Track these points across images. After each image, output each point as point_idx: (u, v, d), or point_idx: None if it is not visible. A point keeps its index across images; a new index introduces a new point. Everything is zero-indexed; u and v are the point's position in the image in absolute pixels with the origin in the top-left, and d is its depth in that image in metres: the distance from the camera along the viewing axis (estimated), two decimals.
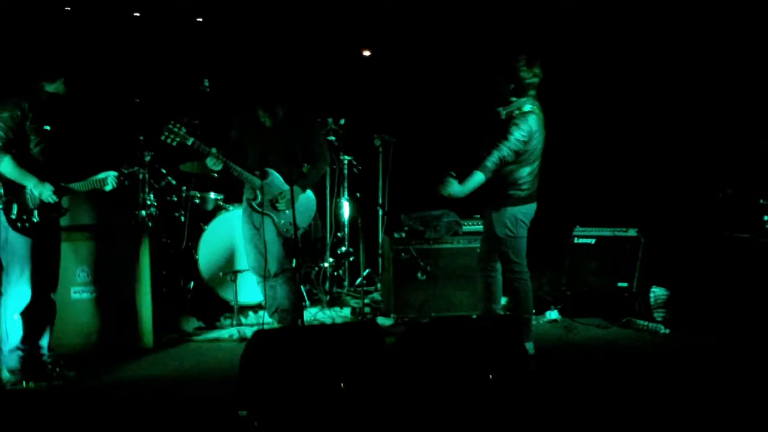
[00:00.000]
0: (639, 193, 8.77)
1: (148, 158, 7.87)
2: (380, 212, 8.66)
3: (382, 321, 7.69)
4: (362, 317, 7.92)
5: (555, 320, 7.68)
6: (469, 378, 5.06)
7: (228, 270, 7.74)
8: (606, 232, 7.95)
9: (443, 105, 9.31)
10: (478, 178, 6.15)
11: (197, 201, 8.25)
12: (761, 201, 7.28)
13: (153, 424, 5.37)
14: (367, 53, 9.68)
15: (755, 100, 8.36)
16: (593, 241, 7.94)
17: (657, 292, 7.56)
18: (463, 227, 7.99)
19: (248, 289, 7.85)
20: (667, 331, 7.26)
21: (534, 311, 6.91)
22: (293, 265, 7.08)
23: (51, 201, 5.92)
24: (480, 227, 7.76)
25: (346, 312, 8.12)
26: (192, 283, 8.01)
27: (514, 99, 6.25)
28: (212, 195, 8.30)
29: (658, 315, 7.46)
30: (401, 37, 9.51)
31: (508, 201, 6.30)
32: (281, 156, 6.88)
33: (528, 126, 6.12)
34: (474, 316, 7.08)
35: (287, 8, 9.24)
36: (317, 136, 7.30)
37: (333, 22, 9.38)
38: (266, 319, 7.38)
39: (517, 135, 6.10)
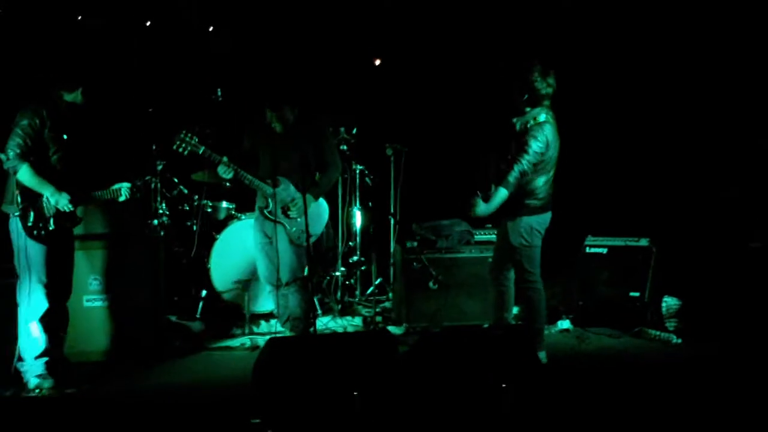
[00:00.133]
0: (651, 203, 8.74)
1: (160, 167, 7.92)
2: (392, 221, 8.66)
3: (394, 330, 7.67)
4: (374, 326, 7.92)
5: (567, 330, 7.66)
6: (481, 387, 5.05)
7: (240, 279, 7.75)
8: (618, 241, 7.93)
9: (454, 114, 9.33)
10: (502, 194, 6.16)
11: (209, 210, 8.28)
12: None
13: (165, 431, 5.38)
14: (378, 62, 9.71)
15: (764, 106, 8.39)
16: (605, 250, 7.93)
17: (669, 302, 7.53)
18: (475, 236, 7.98)
19: (260, 298, 7.88)
20: (679, 340, 7.23)
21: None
22: (305, 273, 7.09)
23: (67, 210, 5.96)
24: (492, 236, 7.78)
25: (358, 321, 8.12)
26: (204, 292, 8.02)
27: (528, 109, 6.25)
28: (224, 204, 8.32)
29: (670, 325, 7.44)
30: (412, 46, 9.54)
31: (523, 210, 6.29)
32: (293, 164, 6.90)
33: (544, 136, 6.13)
34: (485, 326, 7.07)
35: (299, 19, 9.28)
36: (329, 143, 7.32)
37: (344, 31, 9.41)
38: (278, 328, 7.38)
39: (535, 147, 6.10)
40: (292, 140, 6.94)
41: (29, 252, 5.87)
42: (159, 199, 7.94)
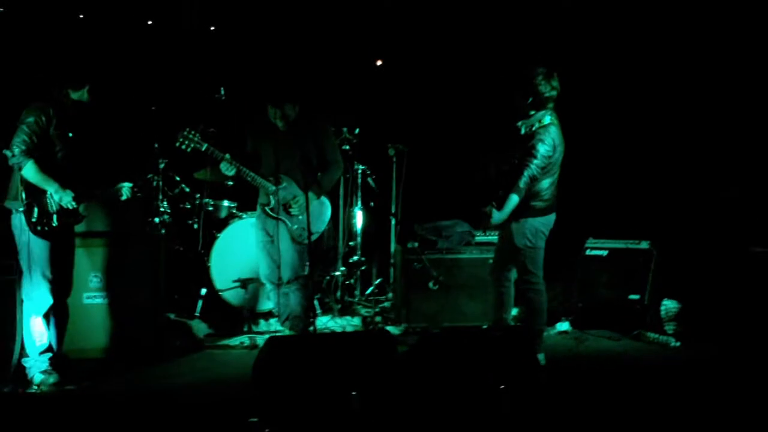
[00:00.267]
0: (652, 206, 8.75)
1: (162, 165, 7.93)
2: (393, 221, 8.67)
3: (393, 330, 7.68)
4: (373, 326, 7.92)
5: (566, 332, 7.67)
6: (480, 388, 5.06)
7: (240, 278, 7.76)
8: (618, 244, 7.94)
9: (456, 114, 9.32)
10: (513, 200, 6.17)
11: (210, 209, 8.29)
12: None
13: (162, 430, 5.39)
14: (379, 63, 9.72)
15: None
16: (605, 253, 7.93)
17: (668, 305, 7.53)
18: (476, 237, 7.99)
19: (259, 297, 7.89)
20: (678, 344, 7.23)
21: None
22: (306, 272, 7.10)
23: (71, 207, 5.97)
24: (492, 238, 7.78)
25: (357, 321, 8.13)
26: (204, 290, 8.02)
27: (533, 112, 6.25)
28: (225, 203, 8.33)
29: (669, 328, 7.44)
30: (415, 46, 9.54)
31: (529, 212, 6.29)
32: (295, 162, 6.92)
33: (551, 139, 6.14)
34: (484, 327, 7.08)
35: (302, 19, 9.29)
36: (330, 141, 7.34)
37: (347, 32, 9.42)
38: (277, 327, 7.39)
39: (543, 151, 6.11)
40: (294, 138, 6.96)
41: (33, 247, 5.89)
42: (161, 197, 7.96)
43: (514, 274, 6.57)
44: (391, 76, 9.70)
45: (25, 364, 6.06)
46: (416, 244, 7.82)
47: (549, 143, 6.13)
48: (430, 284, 7.64)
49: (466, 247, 7.89)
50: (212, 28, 9.46)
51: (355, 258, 8.75)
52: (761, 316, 7.09)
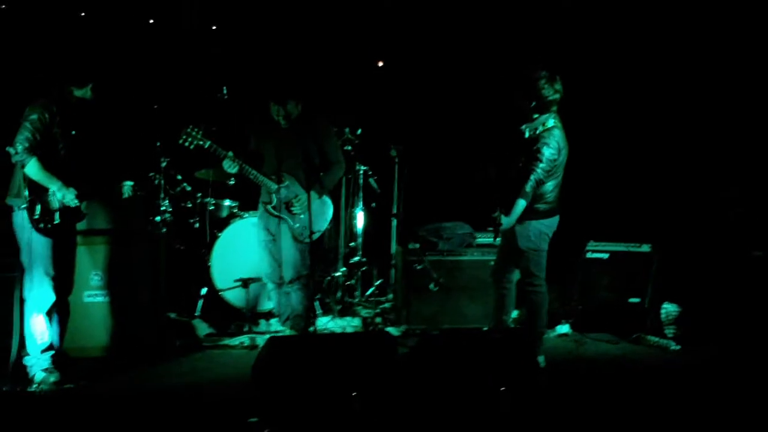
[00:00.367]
0: (653, 210, 8.74)
1: (164, 164, 7.94)
2: (394, 222, 8.67)
3: (393, 331, 7.68)
4: (373, 327, 7.93)
5: (565, 334, 7.67)
6: (480, 390, 5.07)
7: (241, 277, 7.76)
8: (619, 247, 7.93)
9: (459, 116, 9.33)
10: (521, 205, 6.17)
11: (212, 208, 8.29)
12: None
13: (162, 429, 5.39)
14: (381, 64, 9.73)
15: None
16: (606, 256, 7.92)
17: (668, 309, 7.54)
18: (477, 239, 7.98)
19: (260, 297, 7.89)
20: (678, 347, 7.23)
21: None
22: (307, 271, 7.12)
23: (73, 205, 5.98)
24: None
25: (357, 322, 8.12)
26: (204, 290, 8.03)
27: (536, 116, 6.25)
28: (227, 202, 8.34)
29: (669, 331, 7.44)
30: (416, 47, 9.55)
31: (532, 215, 6.29)
32: (296, 160, 6.94)
33: (555, 142, 6.14)
34: (484, 329, 7.08)
35: (304, 20, 9.30)
36: (332, 141, 7.35)
37: (349, 33, 9.43)
38: (278, 327, 7.40)
39: (548, 154, 6.11)
40: (297, 137, 6.97)
41: (35, 245, 5.89)
42: (162, 195, 7.96)
43: (515, 276, 6.58)
44: (393, 77, 9.70)
45: (26, 363, 6.07)
46: (417, 246, 7.82)
47: (554, 146, 6.13)
48: (431, 286, 7.64)
49: (467, 248, 7.88)
50: (213, 28, 9.46)
51: (356, 259, 8.75)
52: (761, 320, 7.10)
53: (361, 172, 8.68)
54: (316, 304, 7.91)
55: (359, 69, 9.65)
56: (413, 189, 8.63)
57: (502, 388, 5.04)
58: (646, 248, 7.82)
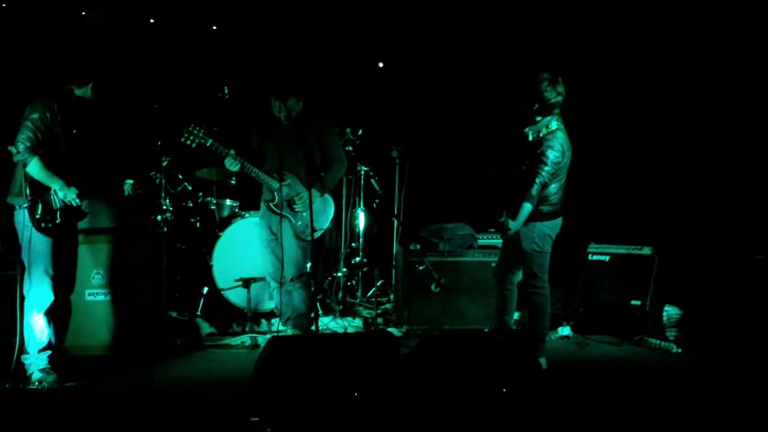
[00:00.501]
0: (654, 212, 8.75)
1: (165, 163, 7.94)
2: (395, 223, 8.67)
3: (394, 332, 7.67)
4: (375, 328, 7.93)
5: (567, 336, 7.66)
6: (482, 391, 5.06)
7: (242, 277, 7.76)
8: (621, 249, 7.93)
9: (459, 117, 9.34)
10: (527, 208, 6.17)
11: (213, 207, 8.29)
12: None
13: (163, 428, 5.37)
14: (381, 65, 9.74)
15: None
16: (608, 258, 7.93)
17: (670, 311, 7.54)
18: (478, 241, 7.98)
19: (261, 297, 7.88)
20: (679, 350, 7.21)
21: None
22: (308, 270, 7.12)
23: (75, 204, 5.97)
24: (494, 241, 7.80)
25: (358, 322, 8.13)
26: (205, 289, 8.03)
27: (539, 118, 6.25)
28: (228, 202, 8.35)
29: (671, 334, 7.44)
30: (417, 49, 9.56)
31: (537, 217, 6.28)
32: (298, 159, 6.95)
33: (559, 144, 6.14)
34: (486, 330, 7.08)
35: (305, 21, 9.30)
36: (334, 140, 7.36)
37: (350, 34, 9.44)
38: (279, 327, 7.40)
39: (552, 157, 6.10)
40: (298, 136, 6.97)
41: (36, 244, 5.88)
42: (163, 195, 7.96)
43: (517, 278, 6.59)
44: (395, 78, 9.71)
45: (24, 361, 6.06)
46: (418, 247, 7.82)
47: (558, 149, 6.13)
48: (432, 287, 7.64)
49: (468, 250, 7.89)
50: (214, 28, 9.46)
51: (357, 259, 8.76)
52: (763, 323, 7.09)
53: (363, 172, 8.68)
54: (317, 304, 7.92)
55: (360, 69, 9.66)
56: (414, 190, 8.62)
57: (504, 390, 5.03)
58: (647, 251, 7.82)
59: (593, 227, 8.42)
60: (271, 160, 7.13)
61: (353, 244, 8.82)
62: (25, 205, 5.82)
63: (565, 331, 7.70)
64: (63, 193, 5.90)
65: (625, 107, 9.17)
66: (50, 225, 5.89)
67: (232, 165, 6.88)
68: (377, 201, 8.93)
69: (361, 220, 8.77)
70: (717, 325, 7.34)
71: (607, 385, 6.38)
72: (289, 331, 7.26)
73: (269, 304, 7.84)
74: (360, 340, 5.93)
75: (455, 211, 8.22)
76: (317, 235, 7.03)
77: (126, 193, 6.36)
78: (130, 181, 6.36)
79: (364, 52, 9.68)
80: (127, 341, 6.83)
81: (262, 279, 7.52)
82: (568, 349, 7.37)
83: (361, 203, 8.73)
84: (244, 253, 7.88)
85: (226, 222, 8.19)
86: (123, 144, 8.05)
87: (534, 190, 6.12)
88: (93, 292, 6.80)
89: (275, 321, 7.66)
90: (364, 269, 8.84)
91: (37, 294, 5.95)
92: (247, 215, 8.12)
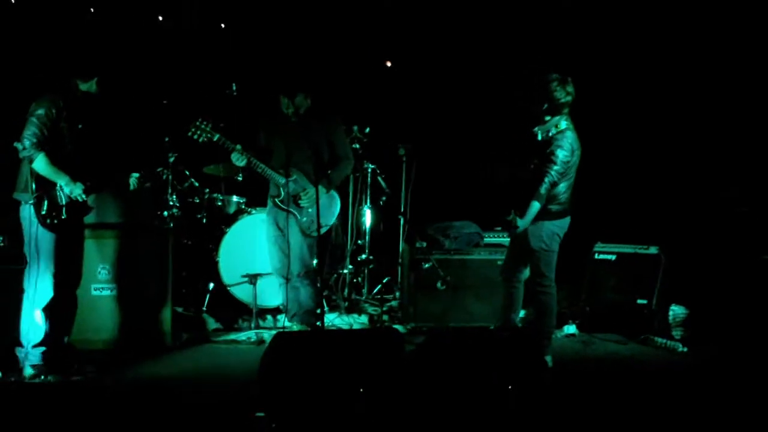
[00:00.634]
0: (661, 211, 8.74)
1: (172, 159, 7.95)
2: (401, 221, 8.67)
3: (400, 329, 7.67)
4: (380, 325, 7.93)
5: (573, 334, 7.65)
6: (487, 388, 5.05)
7: (248, 273, 7.76)
8: (627, 249, 7.92)
9: (466, 115, 9.34)
10: (535, 207, 6.17)
11: (219, 204, 8.30)
12: None
13: (168, 423, 5.38)
14: (389, 64, 9.74)
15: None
16: (614, 257, 7.92)
17: (676, 311, 7.53)
18: (485, 239, 7.98)
19: (267, 293, 7.88)
20: (685, 349, 7.21)
21: None
22: (314, 266, 7.13)
23: (81, 199, 5.97)
24: (501, 239, 7.80)
25: (364, 319, 8.14)
26: (212, 285, 8.03)
27: (548, 118, 6.24)
28: (234, 198, 8.35)
29: (677, 333, 7.43)
30: (425, 48, 9.56)
31: (545, 216, 6.28)
32: (305, 155, 6.96)
33: (569, 143, 6.14)
34: (492, 327, 7.08)
35: (313, 20, 9.31)
36: (342, 137, 7.37)
37: (358, 32, 9.45)
38: (285, 323, 7.40)
39: (561, 156, 6.10)
40: (306, 132, 6.98)
41: (40, 240, 5.88)
42: (170, 191, 7.97)
43: (524, 276, 6.59)
44: (402, 76, 9.71)
45: (18, 354, 6.04)
46: (424, 244, 7.82)
47: (567, 148, 6.12)
48: (438, 284, 7.63)
49: (475, 248, 7.88)
50: (222, 26, 9.47)
51: (363, 256, 8.76)
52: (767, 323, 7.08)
53: (370, 170, 8.68)
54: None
55: (369, 68, 9.66)
56: (421, 188, 8.62)
57: (509, 387, 5.02)
58: (653, 250, 7.81)
59: (600, 226, 8.41)
60: (279, 156, 7.14)
61: (359, 241, 8.83)
62: (30, 201, 5.82)
63: (570, 329, 7.70)
64: (69, 189, 5.90)
65: (632, 108, 9.16)
66: (56, 221, 5.89)
67: (238, 160, 6.90)
68: (384, 198, 8.92)
69: (367, 217, 8.76)
70: (723, 324, 7.33)
71: (612, 384, 6.38)
72: (295, 327, 7.27)
73: (275, 301, 7.84)
74: (365, 336, 5.92)
75: (461, 209, 8.21)
76: (323, 231, 7.03)
77: (132, 186, 6.33)
78: (136, 175, 6.33)
79: (372, 50, 9.68)
80: (133, 336, 6.85)
81: (269, 275, 7.52)
82: (573, 348, 7.37)
83: (368, 200, 8.73)
84: (251, 250, 7.89)
85: (232, 218, 8.19)
86: (130, 139, 8.06)
87: (543, 189, 6.12)
88: (99, 286, 6.83)
89: (281, 317, 7.66)
90: (370, 266, 8.84)
91: (40, 289, 5.94)
92: (253, 212, 8.12)
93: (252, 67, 9.06)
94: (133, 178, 6.31)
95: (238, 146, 6.85)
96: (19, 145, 5.78)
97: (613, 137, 9.04)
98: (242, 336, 7.39)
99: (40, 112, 5.80)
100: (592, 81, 8.31)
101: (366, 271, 8.86)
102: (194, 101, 8.42)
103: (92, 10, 8.81)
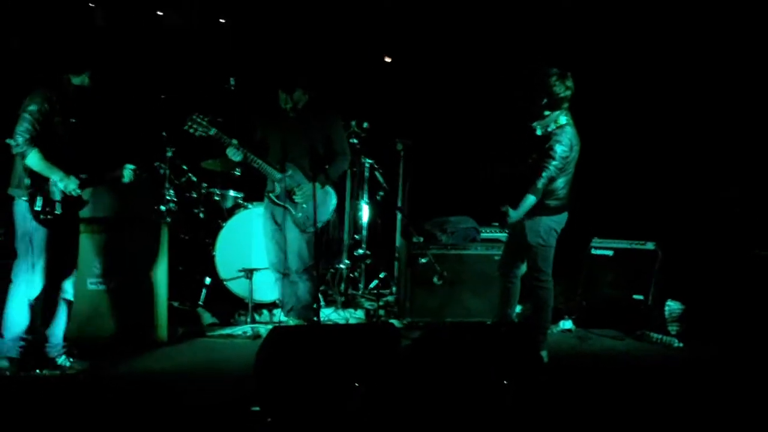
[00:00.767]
0: (658, 207, 8.75)
1: (169, 154, 7.94)
2: (398, 216, 8.67)
3: (396, 324, 7.68)
4: (377, 319, 7.93)
5: (569, 330, 7.67)
6: (483, 383, 5.06)
7: (244, 267, 7.76)
8: (624, 244, 7.93)
9: (464, 111, 9.34)
10: (530, 201, 6.19)
11: (216, 198, 8.30)
12: None
13: (163, 417, 5.38)
14: (389, 60, 9.73)
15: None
16: (611, 253, 7.93)
17: (672, 306, 7.54)
18: (481, 234, 7.98)
19: (263, 287, 7.87)
20: (681, 344, 7.22)
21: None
22: (312, 261, 7.14)
23: (75, 194, 5.94)
24: (497, 234, 7.80)
25: (360, 314, 8.14)
26: (208, 279, 8.03)
27: (547, 113, 6.24)
28: (231, 193, 8.33)
29: (673, 328, 7.45)
30: (424, 43, 9.56)
31: (543, 211, 6.30)
32: (302, 150, 6.96)
33: (568, 138, 6.15)
34: (489, 322, 7.08)
35: (312, 15, 9.30)
36: (339, 132, 7.37)
37: (357, 27, 9.44)
38: (281, 318, 7.40)
39: (560, 151, 6.11)
40: (303, 127, 6.99)
41: (34, 235, 5.84)
42: (167, 185, 7.96)
43: (521, 271, 6.60)
44: (401, 72, 9.71)
45: None
46: (421, 239, 7.82)
47: (566, 143, 6.13)
48: (435, 279, 7.63)
49: (471, 243, 7.89)
50: (222, 21, 9.46)
51: (360, 251, 8.75)
52: (764, 318, 7.08)
53: (367, 165, 8.67)
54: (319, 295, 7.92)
55: (367, 63, 9.65)
56: (418, 183, 8.62)
57: (505, 382, 5.03)
58: (650, 246, 7.81)
59: (597, 222, 8.42)
60: (276, 151, 7.13)
61: (356, 236, 8.82)
62: (24, 197, 5.80)
63: (567, 324, 7.71)
64: (63, 184, 5.86)
65: (630, 105, 9.16)
66: (50, 216, 5.85)
67: (234, 155, 6.89)
68: (381, 194, 8.90)
69: (364, 212, 8.75)
70: (719, 320, 7.34)
71: (608, 379, 6.39)
72: (292, 322, 7.28)
73: (272, 295, 7.83)
74: (361, 330, 5.92)
75: (459, 205, 8.21)
76: (318, 226, 7.02)
77: (126, 179, 6.30)
78: (131, 167, 6.30)
79: (371, 46, 9.68)
80: (128, 330, 6.84)
81: (265, 270, 7.52)
82: (570, 343, 7.38)
83: (365, 195, 8.72)
84: (247, 244, 7.88)
85: (229, 213, 8.18)
86: (128, 133, 8.06)
87: (540, 184, 6.13)
88: (95, 281, 6.81)
89: (277, 311, 7.66)
90: (367, 261, 8.83)
91: (26, 283, 5.89)
92: (250, 206, 8.11)
93: (250, 62, 9.04)
94: (128, 170, 6.27)
95: (234, 141, 6.85)
96: (12, 142, 5.74)
97: (611, 134, 9.04)
98: (238, 330, 7.38)
99: (33, 107, 5.76)
100: (592, 79, 8.34)
101: (363, 266, 8.85)
102: (192, 96, 8.41)
103: (91, 4, 8.79)
